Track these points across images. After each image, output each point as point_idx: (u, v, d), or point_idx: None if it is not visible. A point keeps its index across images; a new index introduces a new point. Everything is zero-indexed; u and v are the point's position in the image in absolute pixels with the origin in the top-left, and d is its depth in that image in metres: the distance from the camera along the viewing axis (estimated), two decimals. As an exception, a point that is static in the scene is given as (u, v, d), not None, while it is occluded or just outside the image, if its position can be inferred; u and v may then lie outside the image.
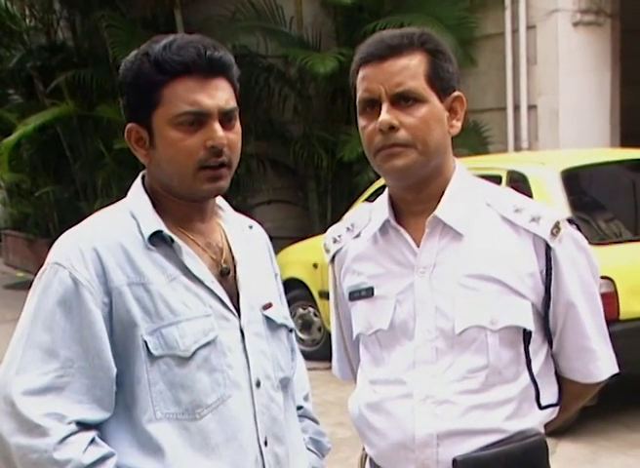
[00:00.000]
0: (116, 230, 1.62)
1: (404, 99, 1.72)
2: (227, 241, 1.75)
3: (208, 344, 1.61)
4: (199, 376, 1.60)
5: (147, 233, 1.62)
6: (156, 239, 1.63)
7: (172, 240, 1.63)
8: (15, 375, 1.53)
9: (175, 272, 1.62)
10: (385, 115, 1.71)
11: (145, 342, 1.57)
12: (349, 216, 1.98)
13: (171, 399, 1.58)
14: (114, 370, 1.57)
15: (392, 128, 1.71)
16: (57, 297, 1.56)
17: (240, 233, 1.79)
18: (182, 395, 1.58)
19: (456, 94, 1.79)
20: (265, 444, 1.66)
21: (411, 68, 1.72)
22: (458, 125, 1.80)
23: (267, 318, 1.74)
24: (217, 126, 1.61)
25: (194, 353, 1.59)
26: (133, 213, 1.65)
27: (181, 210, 1.69)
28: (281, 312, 1.80)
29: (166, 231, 1.63)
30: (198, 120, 1.60)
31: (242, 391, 1.64)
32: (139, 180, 1.72)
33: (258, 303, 1.73)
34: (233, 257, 1.74)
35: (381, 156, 1.74)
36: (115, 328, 1.58)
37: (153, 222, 1.63)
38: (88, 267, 1.57)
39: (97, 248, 1.58)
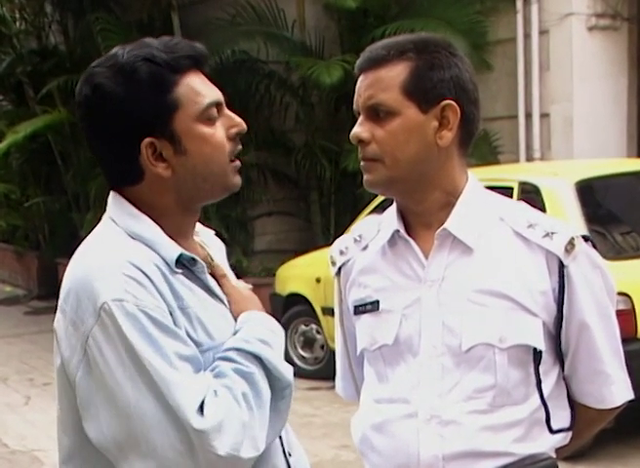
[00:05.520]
0: (145, 253, 1.51)
1: (376, 112, 1.71)
2: (208, 253, 1.71)
3: None
4: None
5: (173, 256, 1.53)
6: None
7: (194, 260, 1.56)
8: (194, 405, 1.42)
9: (201, 293, 1.57)
10: (356, 128, 1.73)
11: None
12: (357, 227, 1.96)
13: None
14: None
15: (362, 141, 1.72)
16: (149, 323, 1.44)
17: (213, 244, 1.75)
18: None
19: (445, 102, 1.71)
20: (290, 455, 1.66)
21: (384, 80, 1.71)
22: (447, 135, 1.72)
23: None
24: (231, 112, 1.59)
25: None
26: (142, 237, 1.54)
27: (181, 225, 1.60)
28: None
29: (186, 252, 1.55)
30: (217, 111, 1.56)
31: None
32: (123, 200, 1.58)
33: None
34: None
35: (362, 168, 1.75)
36: None
37: (172, 244, 1.55)
38: (151, 293, 1.45)
39: (145, 271, 1.46)
